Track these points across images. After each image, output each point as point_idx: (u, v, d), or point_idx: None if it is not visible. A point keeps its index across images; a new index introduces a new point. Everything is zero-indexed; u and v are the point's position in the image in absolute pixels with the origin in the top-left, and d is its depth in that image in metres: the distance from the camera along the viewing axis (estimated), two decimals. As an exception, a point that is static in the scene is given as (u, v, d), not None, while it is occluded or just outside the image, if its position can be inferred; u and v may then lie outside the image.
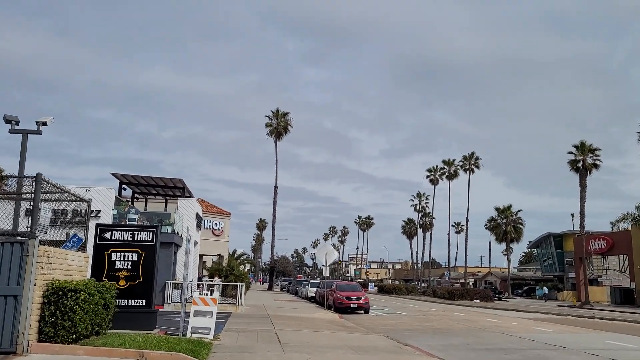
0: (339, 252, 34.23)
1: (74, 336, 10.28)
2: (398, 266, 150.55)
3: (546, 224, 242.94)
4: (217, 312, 14.60)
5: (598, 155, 54.46)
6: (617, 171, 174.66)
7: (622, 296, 55.16)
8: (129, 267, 13.80)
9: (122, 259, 13.80)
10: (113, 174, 28.13)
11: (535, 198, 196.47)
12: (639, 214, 50.03)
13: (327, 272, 30.69)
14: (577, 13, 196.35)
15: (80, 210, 20.72)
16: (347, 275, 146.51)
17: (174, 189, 31.61)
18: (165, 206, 36.10)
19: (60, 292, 10.22)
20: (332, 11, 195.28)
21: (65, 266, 11.32)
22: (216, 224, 48.74)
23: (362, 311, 29.78)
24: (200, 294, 14.66)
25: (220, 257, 48.40)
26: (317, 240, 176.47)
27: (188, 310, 14.26)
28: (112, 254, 13.79)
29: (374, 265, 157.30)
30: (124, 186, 30.07)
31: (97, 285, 11.49)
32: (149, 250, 13.94)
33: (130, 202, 31.65)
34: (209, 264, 50.44)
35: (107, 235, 13.91)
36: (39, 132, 14.07)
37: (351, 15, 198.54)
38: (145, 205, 35.34)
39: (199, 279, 35.65)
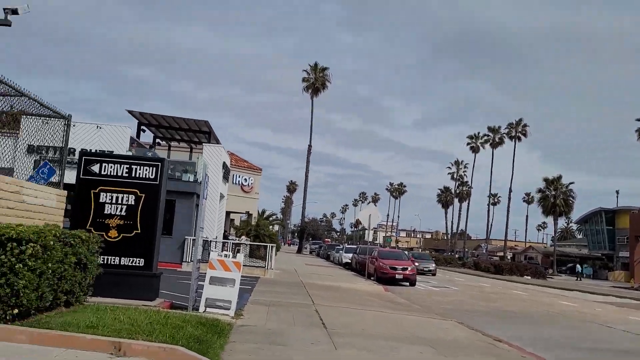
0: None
1: (16, 310, 6.57)
2: (428, 236, 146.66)
3: (581, 201, 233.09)
4: (243, 276, 10.87)
5: (672, 124, 48.67)
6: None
7: (686, 281, 49.90)
8: (123, 213, 10.02)
9: (114, 201, 10.02)
10: (130, 112, 24.40)
11: (571, 175, 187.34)
12: None
13: (370, 235, 26.84)
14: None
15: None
16: (376, 242, 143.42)
17: (199, 134, 27.84)
18: (190, 155, 32.47)
19: (-5, 242, 6.49)
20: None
21: (18, 204, 7.61)
22: (246, 179, 45.08)
23: (408, 283, 25.95)
24: (220, 254, 10.88)
25: (249, 215, 44.98)
26: (347, 205, 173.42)
27: (203, 272, 10.54)
28: (101, 194, 10.01)
29: (402, 234, 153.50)
30: (143, 127, 26.42)
31: (64, 234, 7.73)
32: (150, 192, 10.13)
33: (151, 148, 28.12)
34: (237, 222, 47.23)
35: (95, 168, 10.10)
36: (7, 23, 10.27)
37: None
38: (169, 153, 31.77)
39: (225, 236, 32.20)
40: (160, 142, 30.17)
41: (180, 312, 9.30)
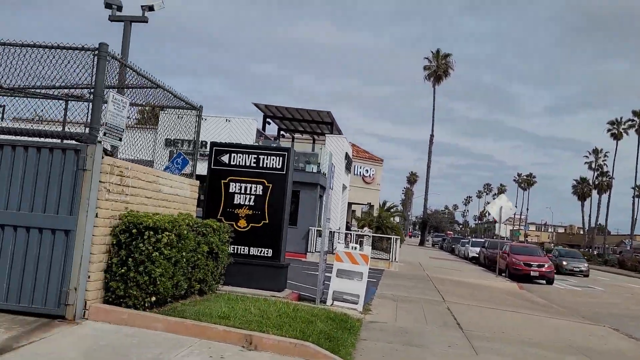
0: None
1: (154, 298, 6.67)
2: (560, 230, 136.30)
3: None
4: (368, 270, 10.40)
5: None
6: None
7: None
8: (252, 203, 10.03)
9: (242, 191, 10.07)
10: (256, 104, 25.11)
11: None
12: None
13: (500, 229, 25.15)
14: None
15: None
16: (503, 236, 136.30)
17: (321, 125, 27.97)
18: (313, 147, 32.80)
19: (134, 230, 6.61)
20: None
21: (155, 193, 7.77)
22: (367, 170, 44.77)
23: (545, 281, 23.94)
24: (346, 246, 10.56)
25: (371, 206, 44.61)
26: (470, 197, 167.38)
27: (330, 262, 10.30)
28: (230, 184, 10.11)
29: (532, 227, 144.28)
30: (268, 120, 27.08)
31: (197, 223, 7.80)
32: (277, 182, 10.02)
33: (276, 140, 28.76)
34: (358, 213, 47.08)
35: (225, 158, 10.22)
36: (144, 20, 10.70)
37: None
38: (292, 144, 32.34)
39: (347, 228, 32.13)
40: (284, 134, 30.78)
41: (308, 304, 9.07)
